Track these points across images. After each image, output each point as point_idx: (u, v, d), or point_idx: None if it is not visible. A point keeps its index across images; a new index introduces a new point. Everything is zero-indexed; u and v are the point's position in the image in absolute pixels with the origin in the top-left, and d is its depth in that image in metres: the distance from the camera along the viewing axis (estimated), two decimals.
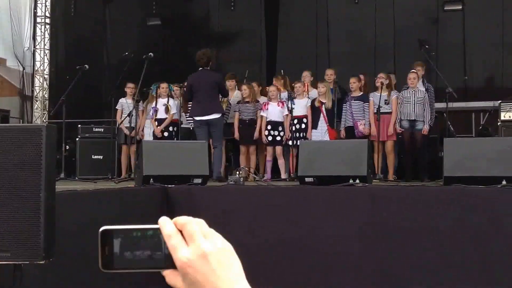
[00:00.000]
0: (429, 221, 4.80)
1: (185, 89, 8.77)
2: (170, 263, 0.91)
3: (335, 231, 4.96)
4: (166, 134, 8.93)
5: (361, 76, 8.69)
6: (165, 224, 0.92)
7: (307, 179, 5.88)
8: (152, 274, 0.96)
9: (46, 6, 13.04)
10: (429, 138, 8.28)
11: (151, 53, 8.09)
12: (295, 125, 8.54)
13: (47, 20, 13.07)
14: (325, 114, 8.50)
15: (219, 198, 5.50)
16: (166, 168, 5.89)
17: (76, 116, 10.55)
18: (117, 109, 9.29)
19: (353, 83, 8.53)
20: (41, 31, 13.03)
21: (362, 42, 11.71)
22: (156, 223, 0.94)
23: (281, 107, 8.67)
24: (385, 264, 4.83)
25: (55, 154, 3.08)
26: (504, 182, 5.14)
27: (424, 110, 8.07)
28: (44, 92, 12.95)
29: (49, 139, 2.76)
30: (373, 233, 4.88)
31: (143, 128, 9.16)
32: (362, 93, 8.59)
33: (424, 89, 8.24)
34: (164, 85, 8.99)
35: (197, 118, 8.11)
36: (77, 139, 9.54)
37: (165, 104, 8.95)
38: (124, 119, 8.86)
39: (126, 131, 8.91)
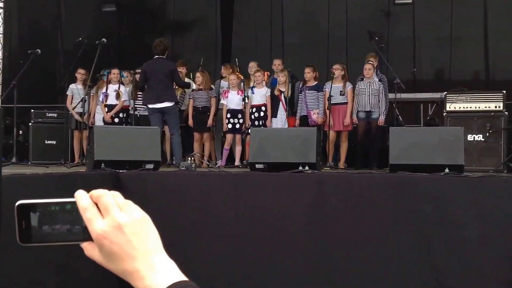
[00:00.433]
0: (374, 206, 4.96)
1: (137, 76, 8.75)
2: (88, 236, 0.91)
3: (281, 212, 5.10)
4: (116, 120, 8.91)
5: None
6: (81, 198, 0.92)
7: (257, 166, 5.99)
8: None
9: None
10: (381, 127, 8.48)
11: (104, 39, 8.01)
12: (253, 113, 8.64)
13: (1, 4, 12.76)
14: (284, 102, 8.62)
15: (170, 183, 5.55)
16: (118, 153, 5.89)
17: (30, 101, 10.38)
18: (67, 95, 9.24)
19: (308, 73, 8.65)
20: None
21: (316, 33, 11.86)
22: None
23: (241, 95, 8.76)
24: (326, 243, 5.00)
25: (2, 137, 3.07)
26: (446, 170, 5.36)
27: (379, 100, 8.25)
28: None
29: None
30: (317, 215, 5.03)
31: (94, 114, 9.12)
32: (316, 82, 8.73)
33: (378, 80, 8.40)
34: (115, 71, 8.96)
35: (150, 106, 8.08)
36: (30, 124, 9.44)
37: (116, 90, 8.92)
38: (77, 105, 8.80)
39: (78, 117, 8.86)
